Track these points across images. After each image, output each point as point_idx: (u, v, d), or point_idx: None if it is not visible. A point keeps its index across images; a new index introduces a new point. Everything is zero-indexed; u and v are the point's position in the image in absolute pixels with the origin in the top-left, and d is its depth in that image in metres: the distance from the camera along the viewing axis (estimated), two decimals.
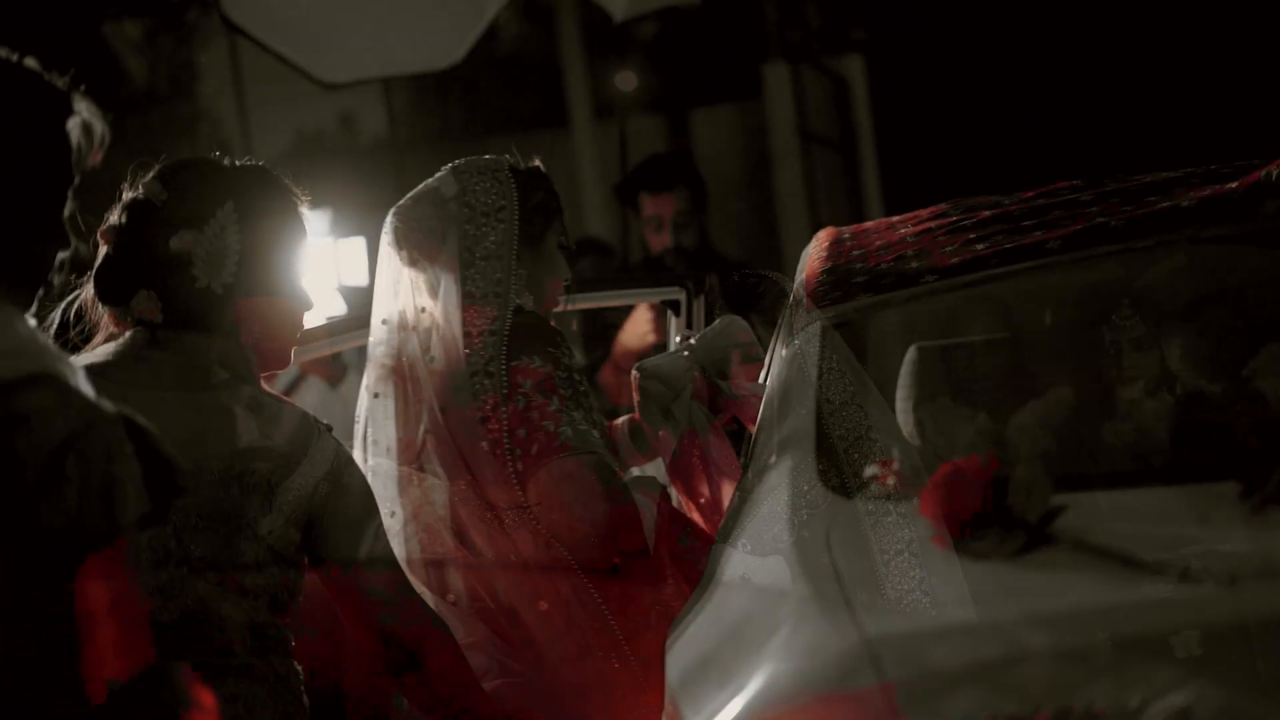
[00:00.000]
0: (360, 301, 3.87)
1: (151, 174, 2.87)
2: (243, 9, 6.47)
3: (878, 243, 3.43)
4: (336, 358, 6.42)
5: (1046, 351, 3.61)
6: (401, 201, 3.37)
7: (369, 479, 3.08)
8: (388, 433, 3.31)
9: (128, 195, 2.85)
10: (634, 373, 3.47)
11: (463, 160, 3.38)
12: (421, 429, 3.28)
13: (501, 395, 3.21)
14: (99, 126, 1.55)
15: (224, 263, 2.81)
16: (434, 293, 3.30)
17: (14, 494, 1.76)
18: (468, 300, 3.26)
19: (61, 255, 1.98)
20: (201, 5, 10.51)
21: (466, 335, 3.24)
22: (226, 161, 2.91)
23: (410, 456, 3.30)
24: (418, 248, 3.32)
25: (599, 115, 11.32)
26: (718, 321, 3.60)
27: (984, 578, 2.33)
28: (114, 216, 2.85)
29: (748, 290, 5.74)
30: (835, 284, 3.25)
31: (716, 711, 2.38)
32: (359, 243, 6.40)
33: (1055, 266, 3.13)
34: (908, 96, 13.36)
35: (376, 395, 3.33)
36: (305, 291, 2.96)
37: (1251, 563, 2.22)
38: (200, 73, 11.19)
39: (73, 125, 1.59)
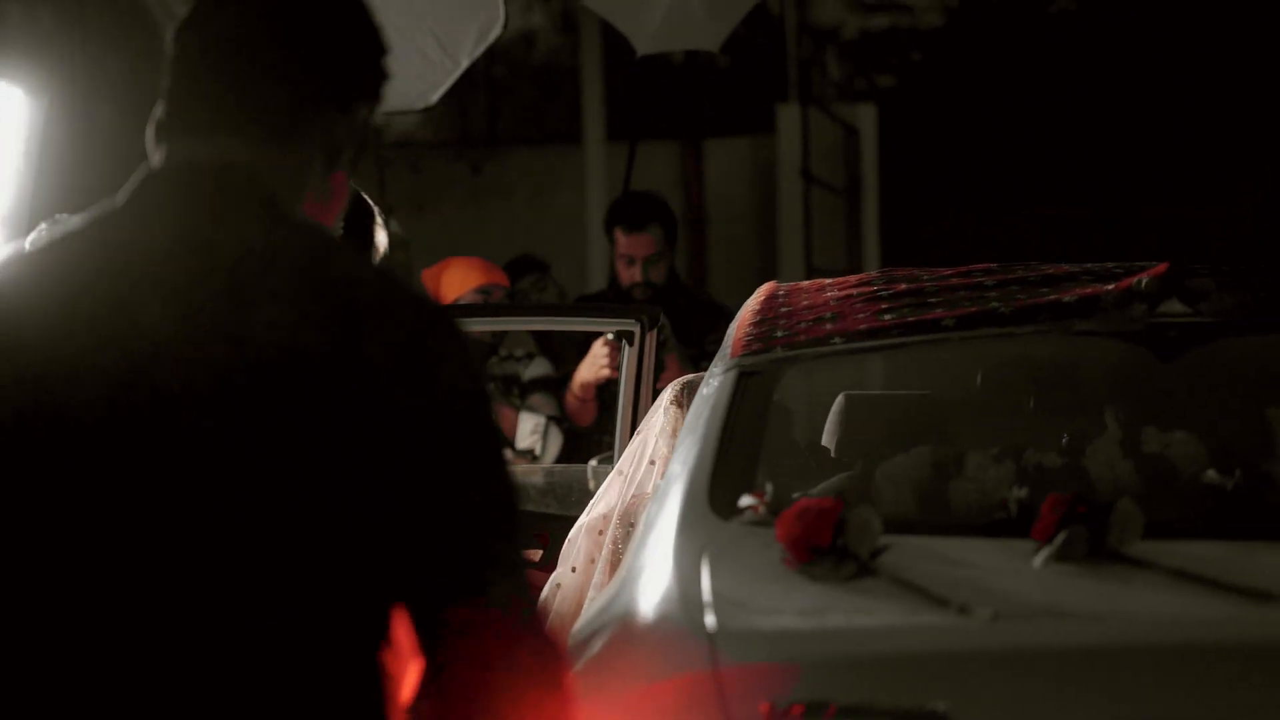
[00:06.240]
0: None
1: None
2: None
3: (804, 302, 3.90)
4: None
5: (946, 413, 4.09)
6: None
7: None
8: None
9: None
10: None
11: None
12: None
13: None
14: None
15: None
16: None
17: None
18: None
19: None
20: None
21: None
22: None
23: None
24: None
25: (611, 137, 11.66)
26: None
27: (820, 596, 2.83)
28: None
29: (697, 324, 6.27)
30: (757, 336, 3.72)
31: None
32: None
33: (944, 342, 3.62)
34: (915, 149, 13.75)
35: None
36: None
37: (1016, 604, 2.72)
38: None
39: None
